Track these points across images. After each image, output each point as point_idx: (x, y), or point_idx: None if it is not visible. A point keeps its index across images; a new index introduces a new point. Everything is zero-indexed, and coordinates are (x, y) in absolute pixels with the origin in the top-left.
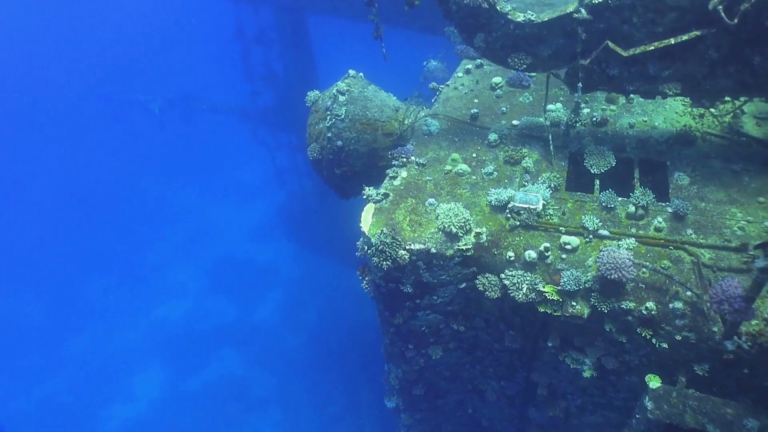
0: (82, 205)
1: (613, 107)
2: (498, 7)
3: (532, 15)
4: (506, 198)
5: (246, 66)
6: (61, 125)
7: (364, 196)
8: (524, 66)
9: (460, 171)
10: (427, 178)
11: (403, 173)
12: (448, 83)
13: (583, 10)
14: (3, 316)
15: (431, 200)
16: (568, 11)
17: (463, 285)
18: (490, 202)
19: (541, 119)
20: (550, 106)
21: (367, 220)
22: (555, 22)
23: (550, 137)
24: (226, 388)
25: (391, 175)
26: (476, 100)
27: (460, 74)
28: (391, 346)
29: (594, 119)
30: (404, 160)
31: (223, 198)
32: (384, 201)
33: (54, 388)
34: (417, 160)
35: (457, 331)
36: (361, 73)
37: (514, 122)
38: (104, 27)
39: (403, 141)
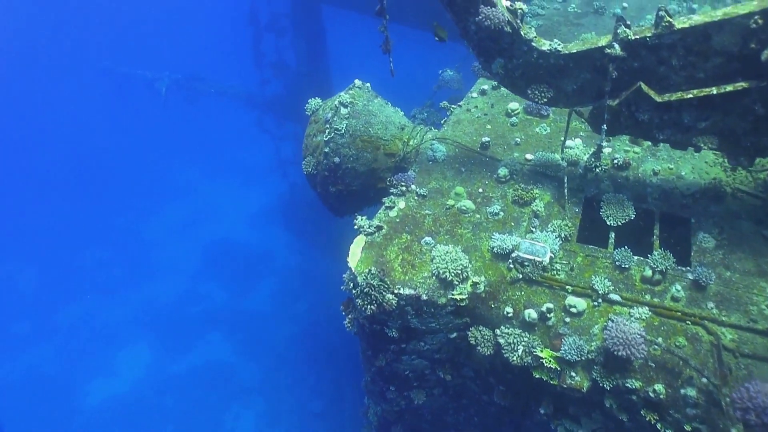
0: (82, 176)
1: (637, 149)
2: (522, 33)
3: (558, 44)
4: (510, 246)
5: (256, 52)
6: (63, 95)
7: (356, 226)
8: (545, 99)
9: (464, 208)
10: (427, 212)
11: (401, 204)
12: (460, 104)
13: (616, 46)
14: None
15: (428, 239)
16: (600, 45)
17: (454, 335)
18: (493, 248)
19: (558, 157)
20: (568, 143)
21: (355, 254)
22: (584, 56)
23: (566, 180)
24: (210, 374)
25: (387, 204)
26: (489, 126)
27: (474, 95)
28: (371, 384)
29: (615, 161)
30: (404, 188)
31: (225, 180)
32: (376, 234)
33: (40, 357)
34: (418, 190)
35: (444, 378)
36: (368, 84)
37: (528, 156)
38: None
39: (405, 163)
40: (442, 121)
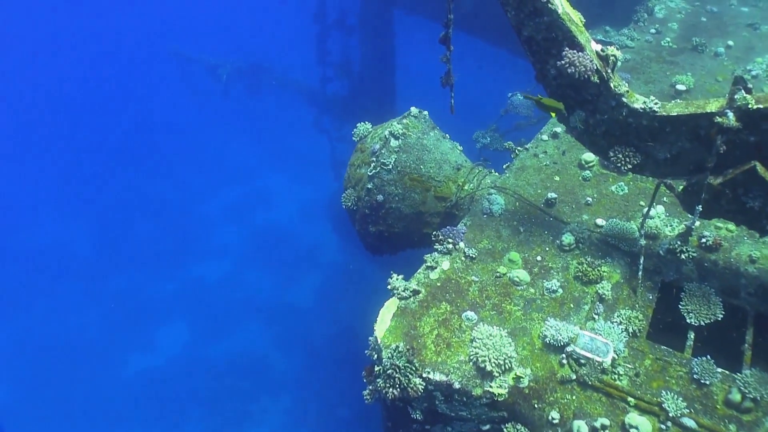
0: (143, 150)
1: (731, 227)
2: (612, 85)
3: (655, 103)
4: (566, 338)
5: (321, 49)
6: (136, 73)
7: (389, 287)
8: (630, 165)
9: (516, 279)
10: (473, 278)
11: (445, 264)
12: (527, 147)
13: (731, 115)
14: (54, 243)
15: (470, 314)
16: (709, 110)
17: (487, 427)
18: (545, 337)
19: (634, 227)
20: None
21: (384, 321)
22: (686, 120)
23: (642, 261)
24: (244, 362)
25: (429, 263)
26: (557, 178)
27: (544, 137)
28: None
29: (703, 241)
30: (450, 245)
31: (281, 171)
32: (412, 299)
33: (85, 322)
34: (466, 249)
35: None
36: (426, 113)
37: (599, 222)
38: None
39: (457, 210)
40: (504, 166)
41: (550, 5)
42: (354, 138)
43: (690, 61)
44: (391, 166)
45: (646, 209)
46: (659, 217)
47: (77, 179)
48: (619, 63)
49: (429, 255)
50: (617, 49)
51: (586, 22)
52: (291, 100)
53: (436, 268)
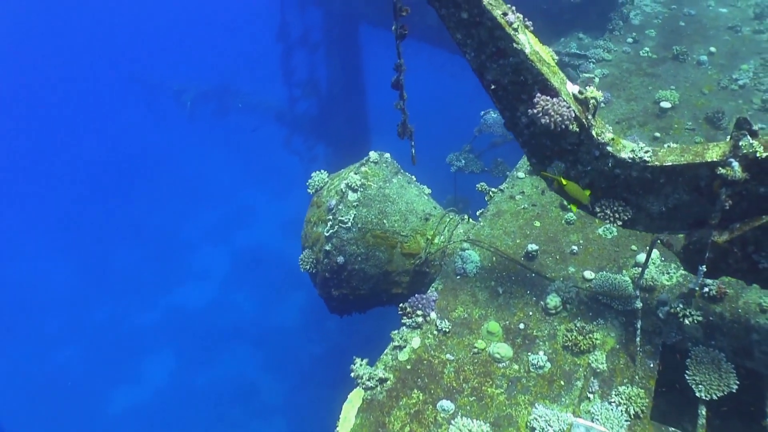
0: (119, 176)
1: None
2: (594, 133)
3: (645, 151)
4: (558, 430)
5: (287, 69)
6: (99, 98)
7: (352, 374)
8: (620, 222)
9: (497, 355)
10: (448, 356)
11: (415, 341)
12: (502, 187)
13: (735, 165)
14: (33, 278)
15: (446, 403)
16: (709, 159)
17: None
18: (533, 429)
19: (628, 280)
20: (640, 256)
21: (347, 419)
22: (682, 171)
23: (639, 325)
24: (234, 389)
25: (396, 342)
26: (537, 224)
27: (520, 174)
28: None
29: (706, 290)
30: (420, 318)
31: (259, 190)
32: (378, 389)
33: (69, 357)
34: (438, 321)
35: None
36: (388, 155)
37: (587, 274)
38: (144, 9)
39: (428, 267)
40: (478, 212)
41: (515, 45)
42: (309, 190)
43: (672, 72)
44: (350, 224)
45: (640, 270)
46: (654, 263)
47: (52, 212)
48: (600, 105)
49: (396, 332)
50: (597, 89)
51: (559, 28)
52: (261, 121)
53: (405, 347)
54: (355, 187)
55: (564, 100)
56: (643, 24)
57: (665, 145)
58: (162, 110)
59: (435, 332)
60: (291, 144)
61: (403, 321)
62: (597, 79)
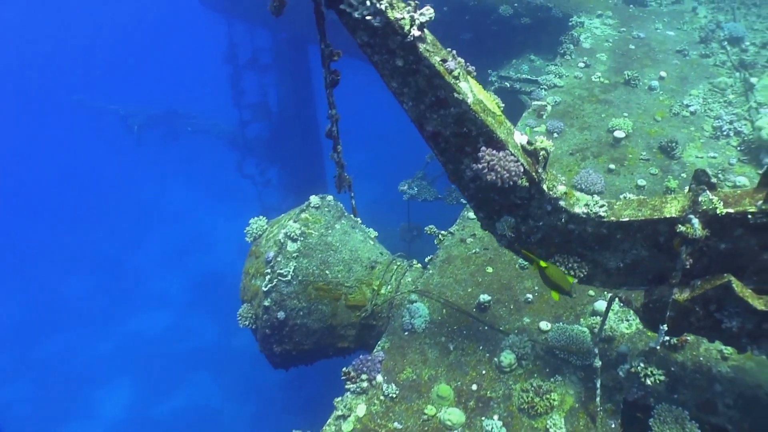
0: (68, 203)
1: None
2: (545, 187)
3: (601, 206)
4: None
5: (236, 91)
6: (39, 126)
7: None
8: (576, 278)
9: (449, 422)
10: (396, 425)
11: (360, 409)
12: (452, 230)
13: (695, 222)
14: None
15: None
16: (668, 215)
17: None
18: None
19: (586, 331)
20: (598, 303)
21: None
22: (640, 226)
23: (599, 384)
24: (195, 418)
25: (340, 411)
26: (490, 269)
27: (472, 215)
28: None
29: (666, 339)
30: (365, 383)
31: (213, 211)
32: None
33: (17, 394)
34: (385, 385)
35: None
36: (330, 197)
37: (543, 325)
38: (88, 32)
39: (375, 320)
40: (426, 259)
41: (456, 95)
42: (247, 238)
43: (624, 97)
44: (290, 277)
45: (599, 323)
46: (612, 310)
47: None
48: (549, 157)
49: (339, 399)
50: (548, 139)
51: (511, 50)
52: (212, 145)
53: (349, 416)
54: (295, 236)
55: (511, 154)
56: (594, 47)
57: (621, 196)
58: (109, 136)
59: (382, 398)
60: (243, 167)
61: (347, 386)
62: (549, 107)
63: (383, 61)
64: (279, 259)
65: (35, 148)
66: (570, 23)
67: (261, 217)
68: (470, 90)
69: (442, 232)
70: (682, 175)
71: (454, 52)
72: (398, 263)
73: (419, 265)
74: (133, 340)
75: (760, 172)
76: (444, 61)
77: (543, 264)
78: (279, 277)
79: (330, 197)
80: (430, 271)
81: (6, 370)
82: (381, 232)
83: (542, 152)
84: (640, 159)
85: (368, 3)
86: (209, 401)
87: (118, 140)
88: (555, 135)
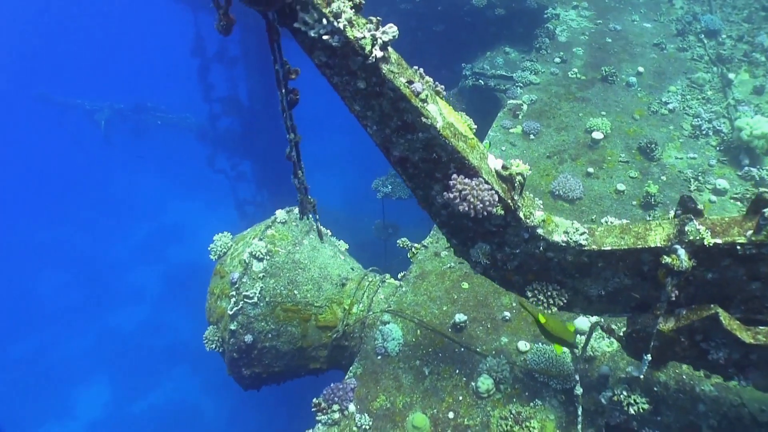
0: (35, 201)
1: None
2: (521, 215)
3: (581, 234)
4: None
5: (205, 84)
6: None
7: None
8: (555, 307)
9: None
10: None
11: None
12: (425, 243)
13: (682, 253)
14: None
15: None
16: (652, 244)
17: None
18: None
19: (565, 354)
20: (579, 321)
21: None
22: (622, 256)
23: (580, 412)
24: (174, 413)
25: None
26: (465, 285)
27: None
28: None
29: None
30: (336, 414)
31: (192, 199)
32: None
33: None
34: (358, 415)
35: None
36: (296, 210)
37: (522, 346)
38: (50, 23)
39: (347, 340)
40: (399, 275)
41: (424, 119)
42: (211, 256)
43: (602, 95)
44: (257, 299)
45: (579, 352)
46: (596, 329)
47: None
48: (525, 182)
49: (310, 431)
50: (524, 164)
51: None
52: (184, 139)
53: None
54: (260, 255)
55: (485, 181)
56: (570, 41)
57: (603, 220)
58: (76, 131)
59: (354, 429)
60: (215, 162)
61: (318, 418)
62: (525, 106)
63: (344, 83)
64: (244, 280)
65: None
66: (545, 15)
67: (225, 233)
68: (439, 113)
69: (416, 245)
70: (662, 178)
71: (422, 70)
72: (370, 279)
73: (392, 280)
74: (109, 335)
75: (740, 173)
76: (410, 82)
77: (542, 319)
78: (245, 299)
79: (295, 210)
80: (404, 288)
81: None
82: (355, 229)
83: (518, 177)
84: (619, 161)
85: (325, 21)
86: (187, 396)
87: (85, 135)
88: (531, 136)
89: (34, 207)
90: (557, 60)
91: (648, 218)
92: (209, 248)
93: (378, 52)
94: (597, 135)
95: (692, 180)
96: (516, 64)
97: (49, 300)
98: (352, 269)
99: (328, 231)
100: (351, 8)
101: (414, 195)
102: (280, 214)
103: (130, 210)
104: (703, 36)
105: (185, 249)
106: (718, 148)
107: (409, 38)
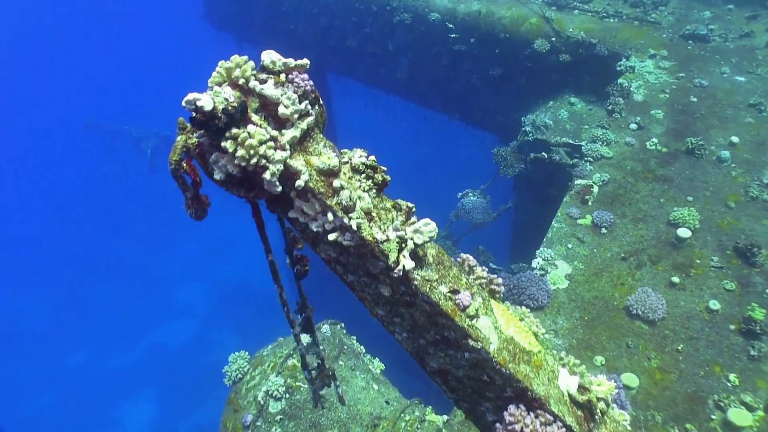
0: (94, 214)
1: None
2: None
3: None
4: None
5: None
6: (53, 143)
7: None
8: None
9: None
10: None
11: None
12: None
13: None
14: (11, 317)
15: None
16: None
17: None
18: None
19: None
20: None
21: None
22: None
23: None
24: None
25: None
26: None
27: None
28: None
29: None
30: None
31: (240, 219)
32: None
33: (45, 405)
34: None
35: None
36: (326, 327)
37: None
38: (107, 51)
39: None
40: (442, 421)
41: (472, 342)
42: (226, 381)
43: (687, 173)
44: None
45: None
46: None
47: (25, 251)
48: (610, 405)
49: None
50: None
51: (546, 89)
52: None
53: None
54: (278, 395)
55: (552, 416)
56: (648, 100)
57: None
58: (124, 158)
59: None
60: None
61: None
62: (595, 188)
63: (361, 285)
64: (259, 423)
65: (52, 161)
66: (618, 68)
67: (241, 352)
68: (494, 328)
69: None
70: (767, 292)
71: (471, 260)
72: (407, 418)
73: (434, 416)
74: (157, 351)
75: None
76: (454, 291)
77: None
78: None
79: (326, 327)
80: (452, 419)
81: (32, 381)
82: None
83: (600, 404)
84: (711, 267)
85: (330, 216)
86: None
87: (132, 163)
88: (603, 230)
89: (91, 217)
90: (633, 126)
91: (752, 352)
92: (223, 371)
93: (407, 263)
94: (683, 232)
95: None
96: (582, 118)
97: (98, 314)
98: (387, 402)
99: (362, 348)
100: (370, 190)
101: (457, 406)
102: (304, 338)
103: (181, 226)
104: None
105: (234, 267)
106: None
107: (463, 81)
